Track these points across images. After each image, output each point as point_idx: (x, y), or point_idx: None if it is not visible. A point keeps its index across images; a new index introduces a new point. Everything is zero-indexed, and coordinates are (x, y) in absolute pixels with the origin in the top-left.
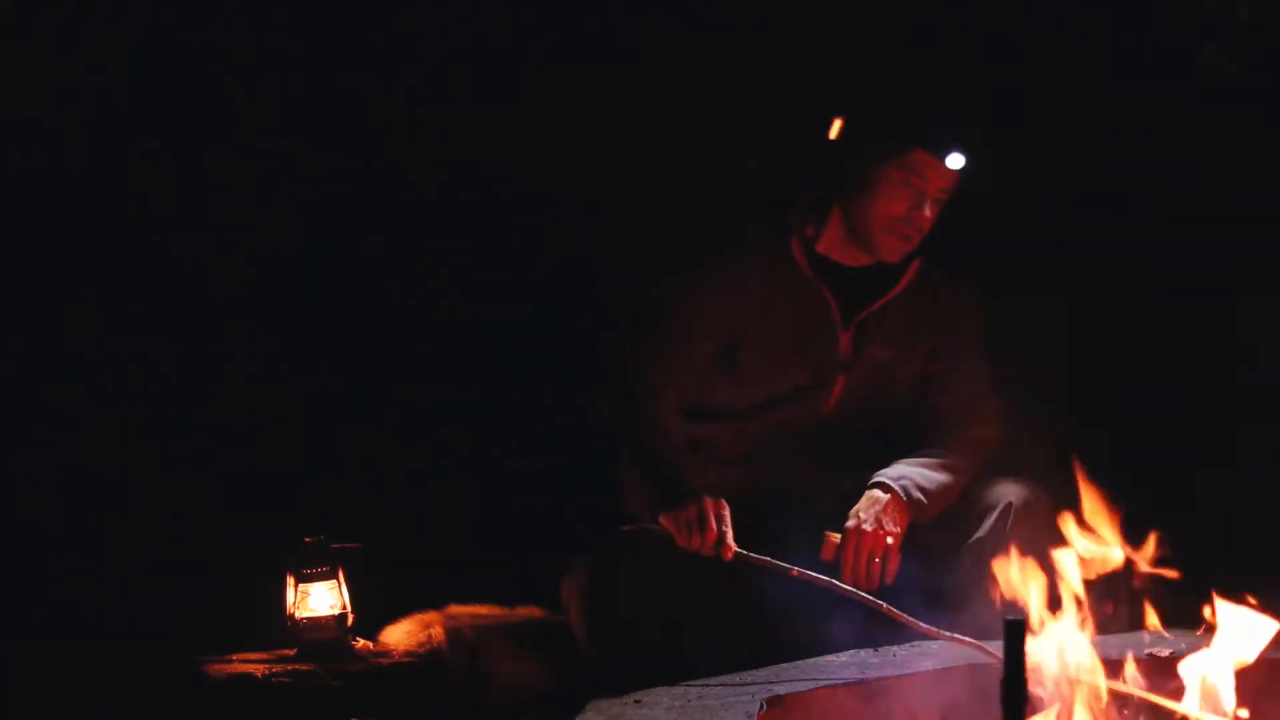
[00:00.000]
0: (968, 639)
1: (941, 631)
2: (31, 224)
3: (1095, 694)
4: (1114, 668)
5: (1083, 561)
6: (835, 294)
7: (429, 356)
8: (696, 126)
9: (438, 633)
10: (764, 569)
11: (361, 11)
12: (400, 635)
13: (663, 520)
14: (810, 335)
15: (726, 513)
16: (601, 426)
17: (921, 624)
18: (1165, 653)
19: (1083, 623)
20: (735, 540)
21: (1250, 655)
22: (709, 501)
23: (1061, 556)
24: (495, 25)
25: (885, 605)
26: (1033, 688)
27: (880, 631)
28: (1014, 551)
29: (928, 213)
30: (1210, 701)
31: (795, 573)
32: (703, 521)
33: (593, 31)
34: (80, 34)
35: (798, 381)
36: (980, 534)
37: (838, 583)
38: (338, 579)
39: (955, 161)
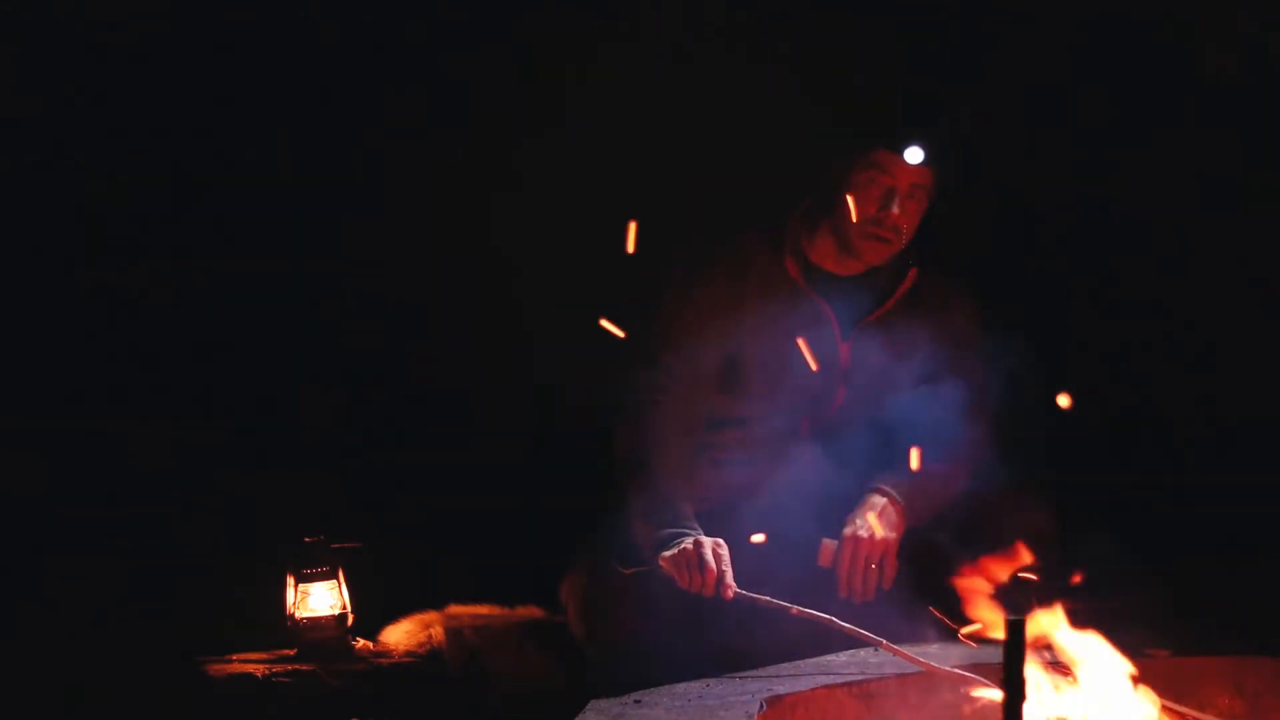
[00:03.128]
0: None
1: (942, 668)
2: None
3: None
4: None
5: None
6: (833, 305)
7: (429, 357)
8: (692, 134)
9: (438, 633)
10: (764, 608)
11: None
12: (400, 635)
13: (662, 562)
14: (811, 348)
15: (725, 552)
16: (617, 462)
17: (922, 660)
18: (1165, 653)
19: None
20: (735, 579)
21: None
22: (708, 541)
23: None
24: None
25: (885, 642)
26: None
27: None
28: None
29: (896, 210)
30: None
31: (795, 611)
32: (702, 562)
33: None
34: None
35: (800, 394)
36: (978, 536)
37: (838, 621)
38: (338, 579)
39: (914, 155)
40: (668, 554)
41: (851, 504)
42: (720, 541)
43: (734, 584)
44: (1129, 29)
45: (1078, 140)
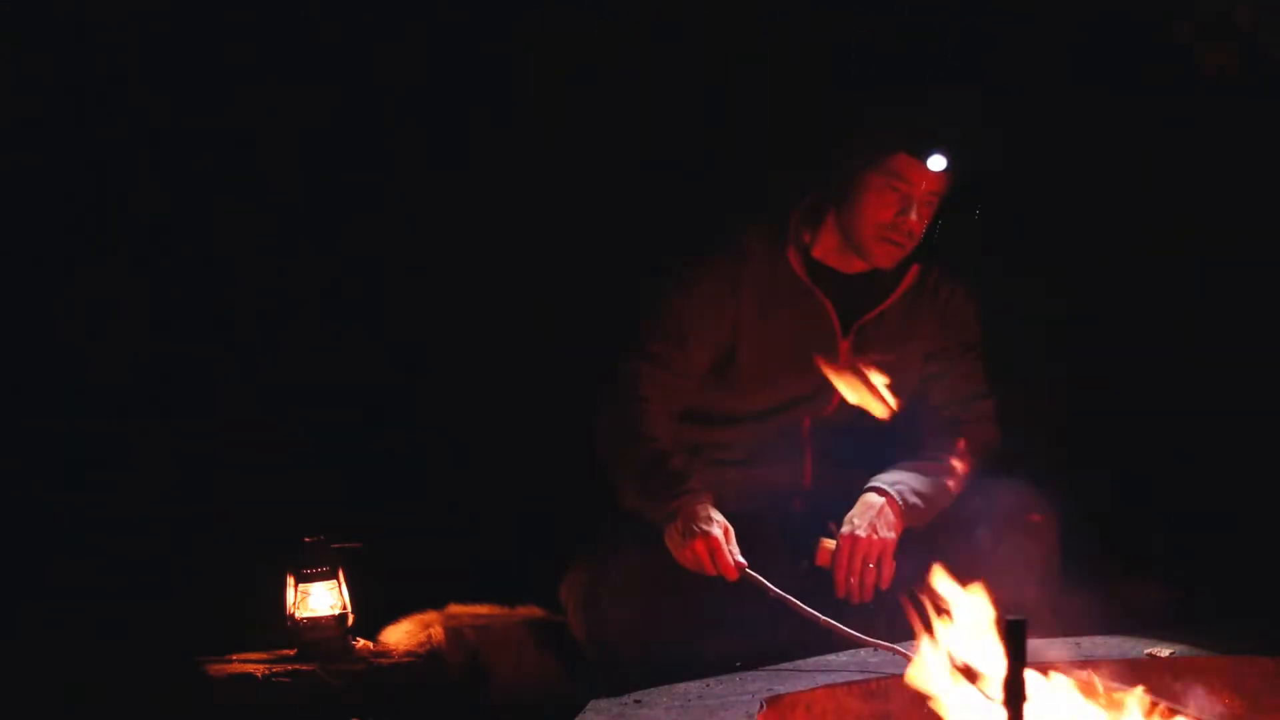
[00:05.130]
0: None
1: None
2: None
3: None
4: (1116, 668)
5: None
6: (834, 301)
7: (429, 356)
8: (692, 132)
9: (438, 633)
10: (768, 599)
11: None
12: (400, 635)
13: (669, 544)
14: (810, 344)
15: (731, 532)
16: (601, 450)
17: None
18: (1165, 653)
19: None
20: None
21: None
22: (717, 524)
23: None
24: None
25: (892, 646)
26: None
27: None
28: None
29: (914, 217)
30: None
31: (799, 608)
32: (714, 554)
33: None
34: None
35: (798, 390)
36: (977, 537)
37: (842, 626)
38: (338, 579)
39: (937, 163)
40: (675, 537)
41: (850, 503)
42: (726, 524)
43: (743, 560)
44: (1129, 29)
45: (1077, 140)
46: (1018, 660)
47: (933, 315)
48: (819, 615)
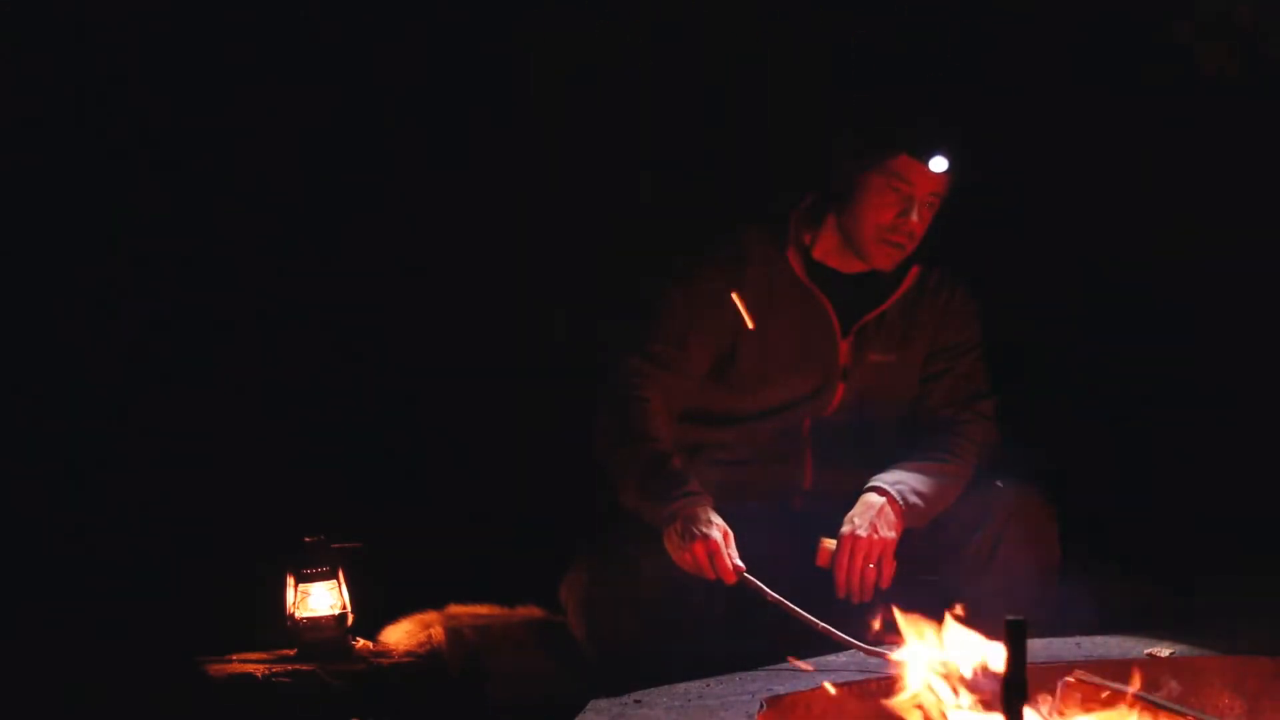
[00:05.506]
0: None
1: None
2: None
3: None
4: (1115, 668)
5: None
6: (834, 302)
7: (429, 356)
8: (692, 132)
9: (438, 633)
10: (765, 603)
11: None
12: (400, 635)
13: (668, 546)
14: (810, 344)
15: (730, 535)
16: (600, 448)
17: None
18: (1165, 653)
19: None
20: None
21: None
22: (717, 527)
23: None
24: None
25: (891, 654)
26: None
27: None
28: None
29: (915, 218)
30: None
31: (796, 613)
32: (713, 557)
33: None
34: None
35: (798, 390)
36: (977, 538)
37: (838, 632)
38: (338, 579)
39: (939, 164)
40: (674, 539)
41: (850, 503)
42: (725, 527)
43: (742, 564)
44: (1129, 29)
45: (1077, 140)
46: (1018, 660)
47: (933, 316)
48: (816, 620)
